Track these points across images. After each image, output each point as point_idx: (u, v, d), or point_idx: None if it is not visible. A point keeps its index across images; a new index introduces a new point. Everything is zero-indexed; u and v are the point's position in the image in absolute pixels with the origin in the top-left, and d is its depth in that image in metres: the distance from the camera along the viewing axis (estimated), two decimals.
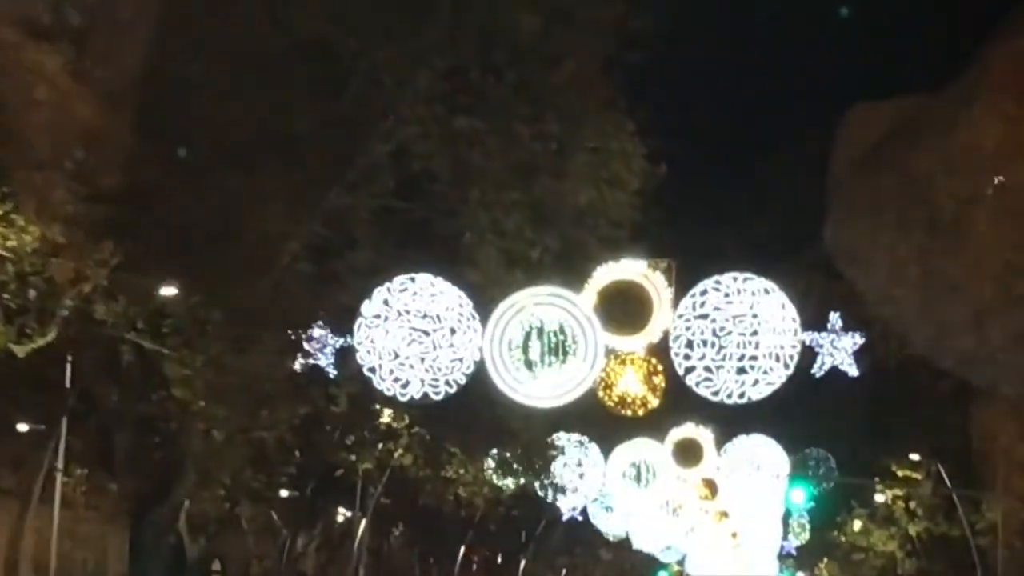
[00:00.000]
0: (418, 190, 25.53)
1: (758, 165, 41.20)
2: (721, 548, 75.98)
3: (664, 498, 53.14)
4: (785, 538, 74.51)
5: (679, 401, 34.73)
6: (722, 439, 42.28)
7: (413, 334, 23.52)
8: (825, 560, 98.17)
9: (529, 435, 29.95)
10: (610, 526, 54.34)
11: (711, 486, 55.22)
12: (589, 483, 40.87)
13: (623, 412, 23.96)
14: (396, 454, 33.34)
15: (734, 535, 74.37)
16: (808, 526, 67.46)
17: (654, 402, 24.02)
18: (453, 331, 23.57)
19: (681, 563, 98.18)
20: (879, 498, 52.95)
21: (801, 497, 37.50)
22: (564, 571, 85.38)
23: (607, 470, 41.04)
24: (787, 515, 55.55)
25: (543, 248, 25.15)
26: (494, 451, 33.17)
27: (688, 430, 42.37)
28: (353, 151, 25.35)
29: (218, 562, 56.41)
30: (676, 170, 26.05)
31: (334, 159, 25.29)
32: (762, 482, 49.96)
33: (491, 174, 24.99)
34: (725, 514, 65.53)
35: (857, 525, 66.54)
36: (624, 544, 68.86)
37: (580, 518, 53.85)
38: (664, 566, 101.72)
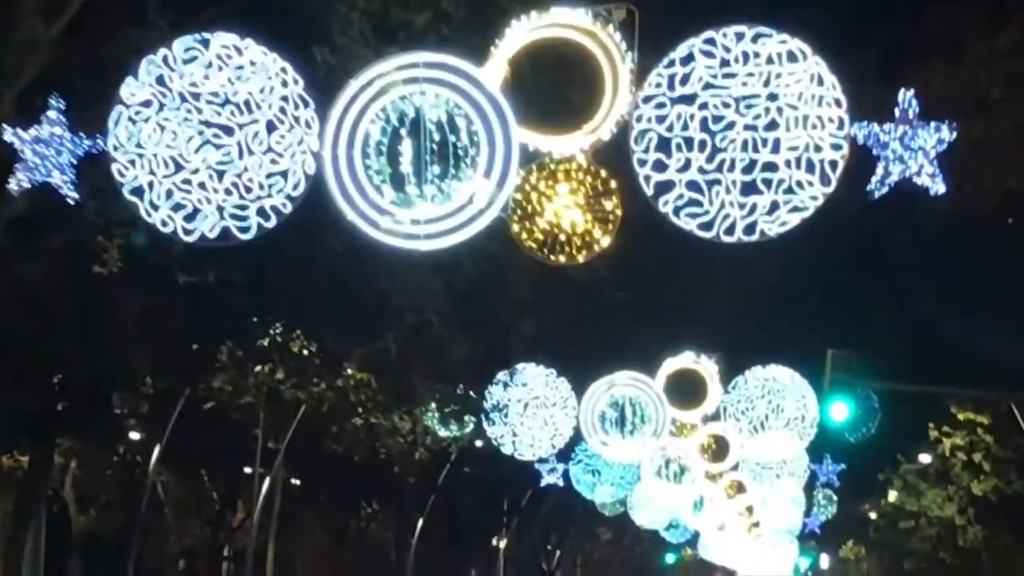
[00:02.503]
0: None
1: None
2: (734, 527, 67.14)
3: (661, 459, 43.81)
4: (808, 514, 65.61)
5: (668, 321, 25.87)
6: (730, 372, 32.65)
7: (205, 132, 14.14)
8: (850, 542, 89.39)
9: (418, 317, 20.47)
10: (599, 495, 44.68)
11: (720, 444, 45.89)
12: (559, 428, 31.40)
13: (553, 259, 14.32)
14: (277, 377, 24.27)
15: (750, 510, 65.64)
16: (835, 499, 58.16)
17: (603, 241, 14.30)
18: (272, 128, 14.16)
19: (692, 544, 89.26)
20: (924, 459, 43.61)
21: (843, 413, 26.58)
22: (557, 553, 75.57)
23: (581, 412, 31.51)
24: (812, 480, 45.85)
25: (434, 11, 15.84)
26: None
27: (685, 361, 32.74)
28: None
29: None
30: None
31: None
32: (782, 435, 40.84)
33: None
34: (739, 486, 56.81)
35: (892, 496, 57.42)
36: (625, 520, 59.91)
37: (561, 483, 44.55)
38: (672, 547, 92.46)
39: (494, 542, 64.74)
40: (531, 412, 31.32)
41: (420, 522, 49.17)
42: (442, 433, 31.09)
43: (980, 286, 24.59)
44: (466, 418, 30.93)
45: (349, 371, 25.77)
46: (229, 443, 33.66)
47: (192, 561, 45.93)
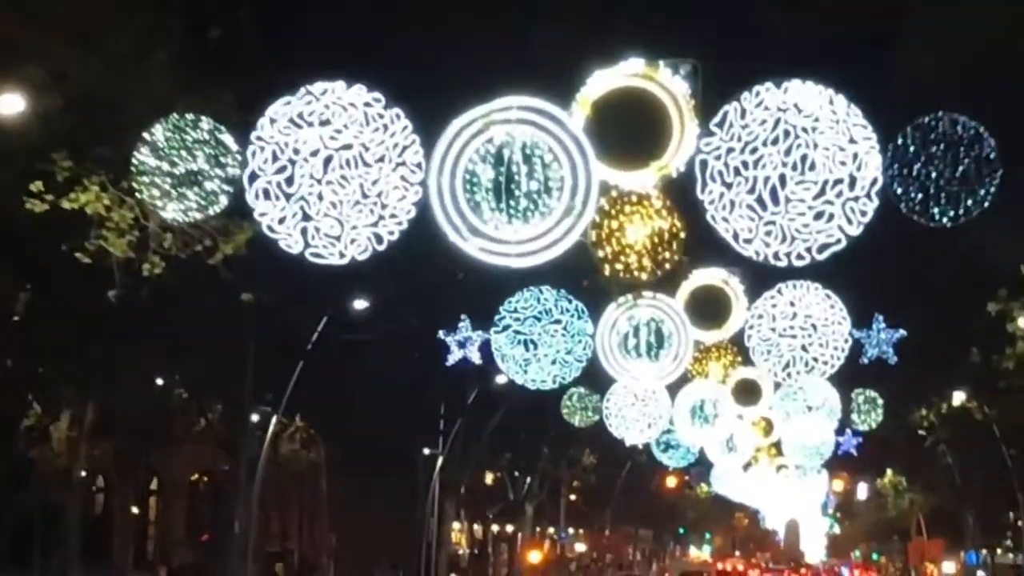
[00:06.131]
0: None
1: None
2: (747, 445, 53.29)
3: (625, 320, 29.01)
4: (841, 431, 51.14)
5: None
6: (714, 94, 17.18)
7: None
8: (889, 472, 74.61)
9: None
10: (534, 378, 29.38)
11: (715, 302, 31.23)
12: (389, 205, 16.50)
13: None
14: None
15: (768, 424, 51.88)
16: (880, 402, 43.04)
17: None
18: None
19: (698, 470, 74.72)
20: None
21: None
22: (527, 481, 60.08)
23: (431, 174, 16.44)
24: (856, 354, 30.26)
25: None
26: None
27: (627, 74, 17.12)
28: None
29: None
30: None
31: None
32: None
33: None
34: (748, 386, 44.03)
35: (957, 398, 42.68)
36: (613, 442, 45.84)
37: (477, 358, 29.83)
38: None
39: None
40: (336, 172, 16.67)
41: (270, 430, 34.37)
42: (167, 214, 16.15)
43: None
44: (213, 187, 16.09)
45: None
46: None
47: None
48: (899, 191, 16.48)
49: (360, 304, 31.40)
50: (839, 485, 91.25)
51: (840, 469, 77.68)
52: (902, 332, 29.05)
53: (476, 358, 29.48)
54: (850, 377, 39.60)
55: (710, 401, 40.55)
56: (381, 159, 16.53)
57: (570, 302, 28.17)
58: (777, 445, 52.86)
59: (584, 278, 28.52)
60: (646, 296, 28.87)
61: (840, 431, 48.60)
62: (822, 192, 16.34)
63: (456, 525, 72.11)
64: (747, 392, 43.06)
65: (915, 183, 16.46)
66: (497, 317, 28.38)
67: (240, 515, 32.75)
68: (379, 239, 16.64)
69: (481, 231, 16.68)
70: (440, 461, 44.66)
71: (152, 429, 40.62)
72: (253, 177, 16.51)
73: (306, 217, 16.56)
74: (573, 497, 79.94)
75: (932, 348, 33.03)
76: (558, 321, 28.40)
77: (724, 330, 31.09)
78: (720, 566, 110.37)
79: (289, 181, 16.53)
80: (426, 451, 44.91)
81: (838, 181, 16.32)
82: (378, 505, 44.75)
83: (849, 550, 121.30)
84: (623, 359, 29.27)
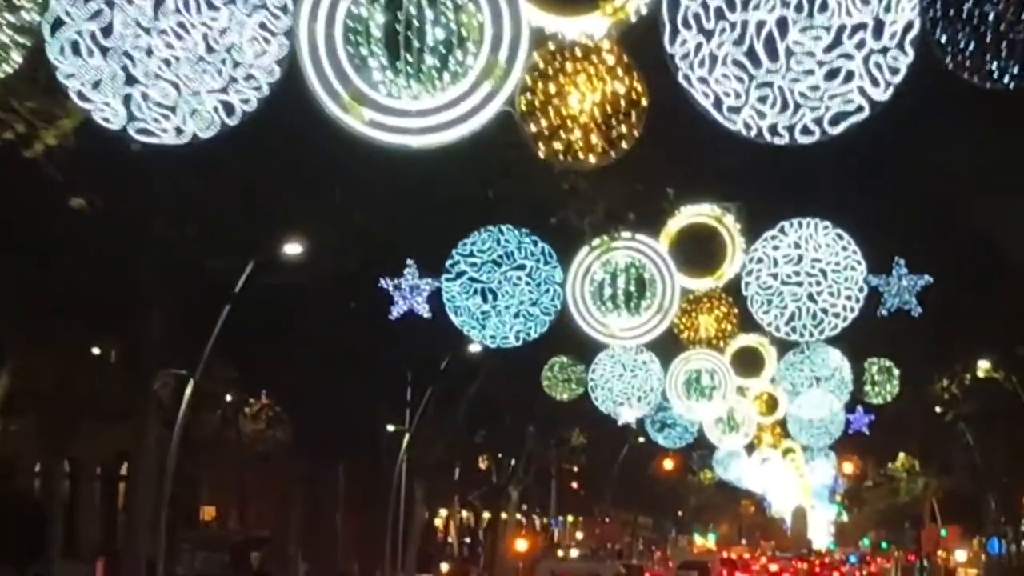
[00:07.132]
0: None
1: None
2: (749, 419, 49.82)
3: (597, 265, 24.73)
4: (851, 409, 47.49)
5: None
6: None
7: None
8: (901, 456, 70.44)
9: None
10: (492, 334, 24.98)
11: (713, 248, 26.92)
12: (240, 56, 12.14)
13: None
14: None
15: (768, 399, 48.46)
16: (896, 372, 38.74)
17: None
18: None
19: (701, 453, 70.93)
20: None
21: None
22: (511, 463, 55.34)
23: (300, 26, 12.20)
24: (872, 301, 25.78)
25: None
26: None
27: None
28: None
29: None
30: None
31: None
32: None
33: None
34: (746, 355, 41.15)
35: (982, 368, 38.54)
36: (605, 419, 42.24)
37: (426, 312, 25.39)
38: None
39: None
40: (170, 17, 12.33)
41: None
42: None
43: None
44: (2, 39, 11.69)
45: None
46: None
47: None
48: (943, 39, 12.02)
49: (292, 249, 27.07)
50: (848, 468, 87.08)
51: (850, 451, 73.45)
52: (927, 278, 24.62)
53: (424, 311, 25.09)
54: (863, 344, 35.60)
55: (707, 372, 36.85)
56: (232, 0, 12.11)
57: (535, 244, 24.40)
58: (782, 423, 48.96)
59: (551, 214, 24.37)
60: (624, 237, 24.83)
61: (851, 407, 44.74)
62: (837, 42, 11.95)
63: (443, 512, 68.06)
64: (748, 362, 39.18)
65: (964, 27, 12.01)
66: (449, 262, 24.34)
67: (140, 498, 28.47)
68: (230, 110, 12.22)
69: (369, 98, 12.23)
70: (407, 438, 40.23)
71: (79, 402, 36.14)
72: (57, 25, 12.11)
73: (130, 80, 12.17)
74: (575, 484, 76.09)
75: (962, 297, 28.63)
76: (521, 267, 24.46)
77: (717, 277, 26.89)
78: (725, 555, 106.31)
79: (107, 31, 12.13)
80: (390, 428, 40.59)
81: (859, 27, 11.93)
82: (342, 489, 40.49)
83: (857, 538, 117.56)
84: (597, 312, 25.24)
